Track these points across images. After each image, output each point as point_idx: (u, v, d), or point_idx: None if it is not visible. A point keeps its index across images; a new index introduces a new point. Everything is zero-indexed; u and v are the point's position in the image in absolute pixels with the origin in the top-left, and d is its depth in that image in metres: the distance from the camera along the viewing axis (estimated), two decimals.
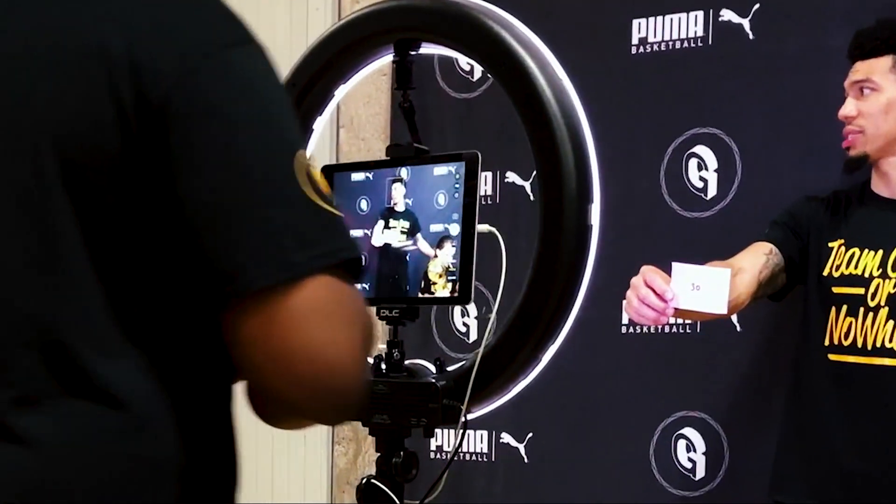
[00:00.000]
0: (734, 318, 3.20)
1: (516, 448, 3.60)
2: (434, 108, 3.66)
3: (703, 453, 3.28)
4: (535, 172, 3.41)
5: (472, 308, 3.51)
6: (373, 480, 2.01)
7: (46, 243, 1.12)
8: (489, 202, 3.57)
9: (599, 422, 3.44)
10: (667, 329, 3.30)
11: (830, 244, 2.74)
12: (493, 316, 1.90)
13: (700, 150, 3.28)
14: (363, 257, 1.19)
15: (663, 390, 3.33)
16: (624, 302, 2.36)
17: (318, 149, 3.46)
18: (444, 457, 3.50)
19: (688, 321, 3.25)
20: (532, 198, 3.46)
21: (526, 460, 3.59)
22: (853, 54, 2.74)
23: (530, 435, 3.57)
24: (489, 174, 3.58)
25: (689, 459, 3.30)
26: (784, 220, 2.83)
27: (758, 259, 2.74)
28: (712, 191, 3.26)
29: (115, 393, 1.11)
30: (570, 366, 3.20)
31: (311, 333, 1.08)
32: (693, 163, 3.28)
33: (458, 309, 3.60)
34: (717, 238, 3.23)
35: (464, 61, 3.48)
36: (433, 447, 3.48)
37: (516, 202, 3.53)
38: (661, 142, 3.34)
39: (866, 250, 2.68)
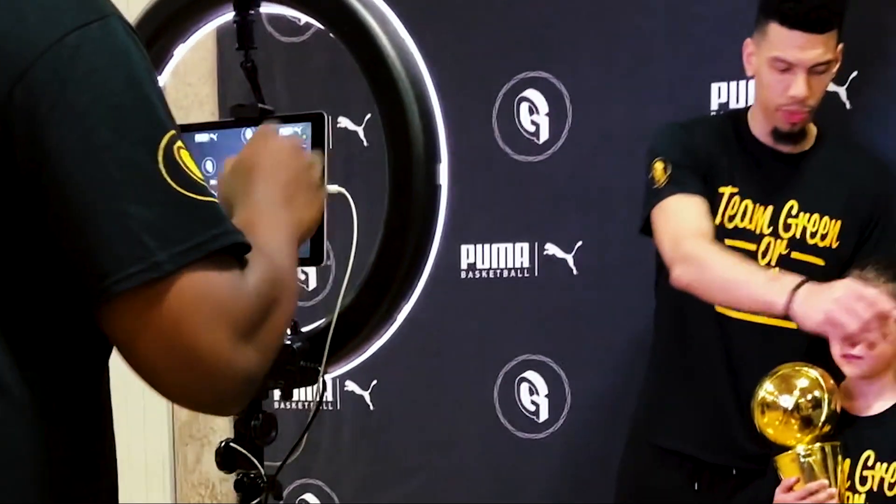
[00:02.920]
0: (570, 261, 3.25)
1: (361, 396, 3.62)
2: (262, 52, 3.59)
3: (546, 396, 3.34)
4: (367, 116, 3.42)
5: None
6: (231, 444, 1.98)
7: None
8: None
9: (443, 367, 3.48)
10: (505, 274, 3.34)
11: (721, 189, 2.61)
12: (346, 276, 1.88)
13: (530, 93, 3.30)
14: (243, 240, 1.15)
15: (505, 334, 3.38)
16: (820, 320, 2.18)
17: None
18: (294, 406, 3.48)
19: (526, 265, 3.30)
20: (366, 143, 3.44)
21: (371, 408, 3.61)
22: (812, 25, 2.45)
23: (375, 382, 3.59)
24: None
25: (533, 402, 3.36)
26: (687, 164, 2.62)
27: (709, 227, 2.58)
28: (544, 135, 3.29)
29: None
30: (412, 312, 3.20)
31: (174, 336, 1.08)
32: (524, 107, 3.31)
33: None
34: (551, 181, 3.27)
35: None
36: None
37: (350, 148, 3.49)
38: (492, 87, 3.35)
39: (758, 205, 2.61)
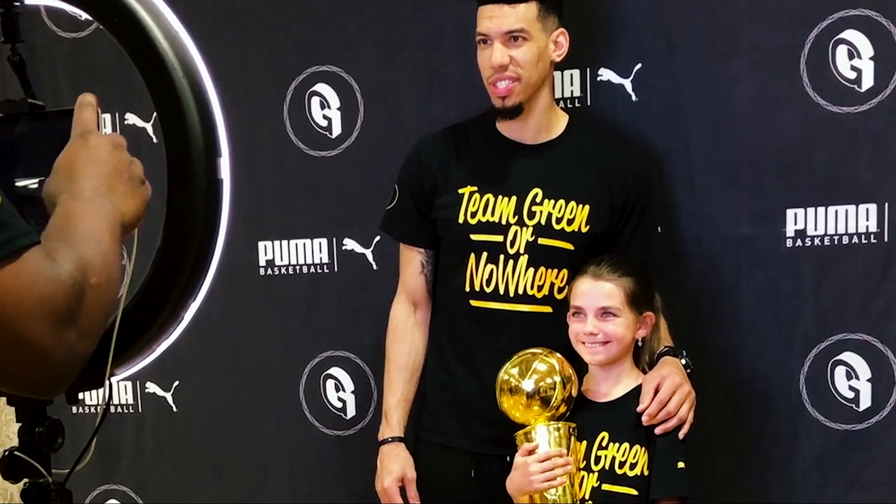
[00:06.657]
0: (370, 256, 3.24)
1: (163, 397, 3.55)
2: (43, 49, 3.49)
3: (353, 392, 3.33)
4: (155, 114, 3.33)
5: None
6: (16, 453, 1.90)
7: None
8: None
9: (247, 366, 3.43)
10: (304, 270, 3.31)
11: (461, 191, 2.72)
12: (127, 276, 1.82)
13: (321, 88, 3.27)
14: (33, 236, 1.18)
15: (308, 331, 3.35)
16: None
17: None
18: (86, 410, 3.39)
19: (325, 260, 3.28)
20: (155, 140, 3.35)
21: (174, 409, 3.55)
22: None
23: (177, 383, 3.53)
24: (107, 116, 3.43)
25: (339, 399, 3.34)
26: (403, 207, 2.84)
27: (421, 282, 2.88)
28: (337, 129, 3.27)
29: None
30: (211, 310, 3.15)
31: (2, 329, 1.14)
32: (315, 101, 3.28)
33: None
34: (346, 176, 3.25)
35: None
36: None
37: (139, 145, 3.36)
38: (282, 81, 3.31)
39: (501, 197, 2.69)
